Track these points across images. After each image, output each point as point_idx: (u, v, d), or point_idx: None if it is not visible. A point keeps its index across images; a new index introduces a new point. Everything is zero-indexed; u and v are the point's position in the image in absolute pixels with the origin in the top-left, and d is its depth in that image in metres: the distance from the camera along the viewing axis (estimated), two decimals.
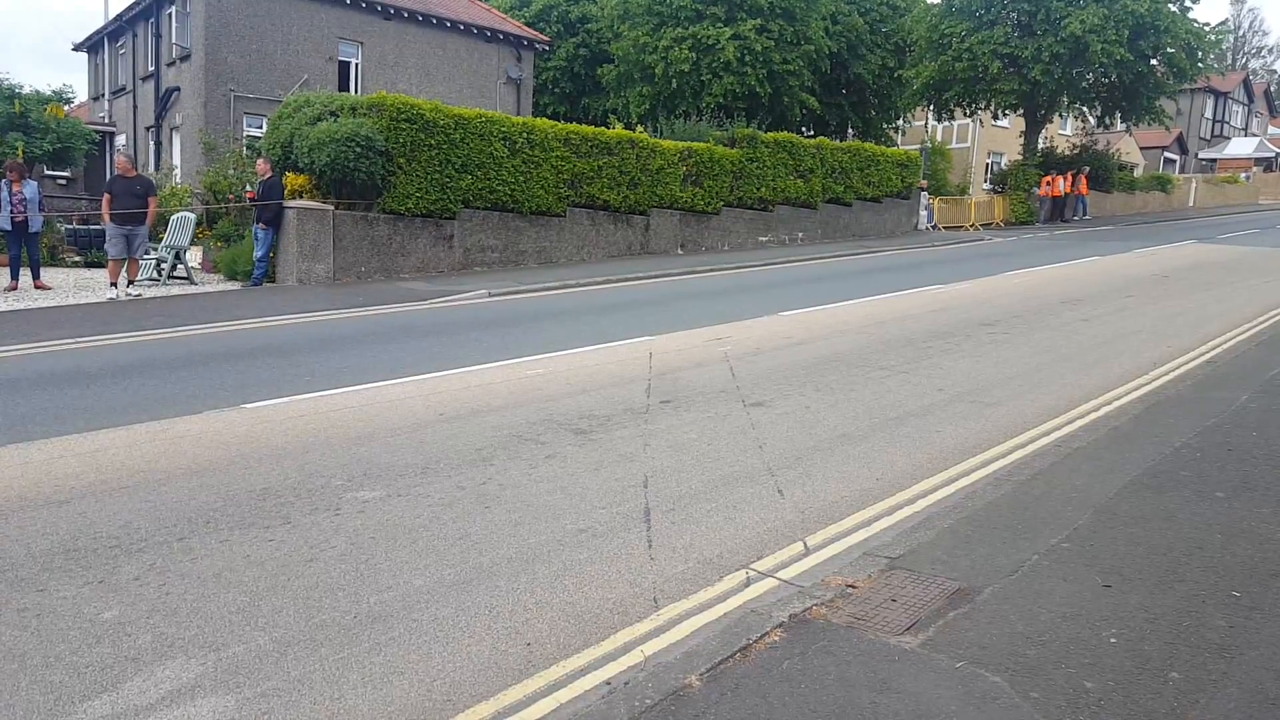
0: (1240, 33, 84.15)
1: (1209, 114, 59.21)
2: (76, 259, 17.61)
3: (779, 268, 18.55)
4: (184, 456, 5.87)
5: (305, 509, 5.02)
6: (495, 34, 28.39)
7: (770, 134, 22.74)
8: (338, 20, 24.93)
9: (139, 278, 14.00)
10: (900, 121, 35.96)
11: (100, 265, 17.14)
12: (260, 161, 14.91)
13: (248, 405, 7.11)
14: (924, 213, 28.52)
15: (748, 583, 4.30)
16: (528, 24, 31.47)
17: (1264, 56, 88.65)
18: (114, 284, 13.41)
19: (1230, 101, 60.88)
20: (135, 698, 3.29)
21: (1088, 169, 32.34)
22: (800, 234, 23.62)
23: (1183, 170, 53.61)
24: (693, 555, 4.58)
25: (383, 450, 6.06)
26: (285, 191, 14.58)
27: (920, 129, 39.82)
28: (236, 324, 10.90)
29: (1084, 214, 32.10)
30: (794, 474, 5.77)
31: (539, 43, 30.20)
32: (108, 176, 29.47)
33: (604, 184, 18.46)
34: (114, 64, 30.84)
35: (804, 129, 30.49)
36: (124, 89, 29.61)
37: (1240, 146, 57.17)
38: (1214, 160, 56.02)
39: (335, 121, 14.68)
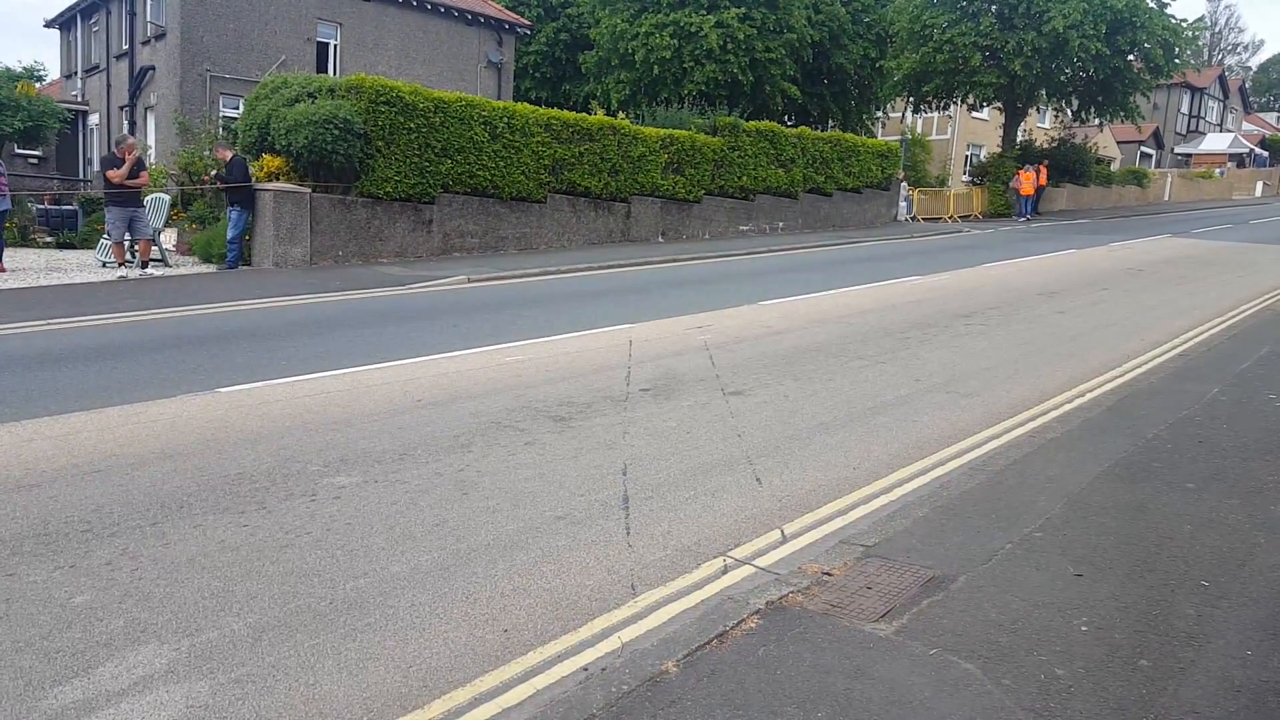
0: (1216, 29, 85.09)
1: (1185, 109, 59.80)
2: (48, 240, 17.35)
3: (759, 257, 18.58)
4: (157, 440, 5.80)
5: (280, 494, 4.98)
6: (476, 17, 28.14)
7: (752, 123, 22.74)
8: (316, 0, 24.61)
9: (151, 257, 13.85)
10: (880, 113, 36.03)
11: (71, 246, 16.92)
12: (219, 148, 14.81)
13: (222, 389, 7.04)
14: (903, 204, 28.66)
15: (725, 570, 4.32)
16: (507, 7, 31.22)
17: (1240, 53, 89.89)
18: (121, 264, 13.27)
19: (1206, 97, 61.53)
20: (107, 683, 3.26)
21: (1046, 161, 32.35)
22: (781, 223, 23.66)
23: (1159, 165, 54.17)
24: (671, 543, 4.59)
25: (359, 436, 6.03)
26: (262, 173, 14.44)
27: (899, 121, 39.93)
28: (211, 307, 10.78)
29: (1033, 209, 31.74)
30: (772, 462, 5.80)
31: (520, 26, 29.97)
32: (84, 156, 29.06)
33: (585, 170, 18.38)
34: (87, 41, 30.29)
35: (785, 118, 30.48)
36: (97, 67, 29.10)
37: (1215, 142, 57.83)
38: (1189, 155, 56.63)
39: (313, 103, 14.51)
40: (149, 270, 13.44)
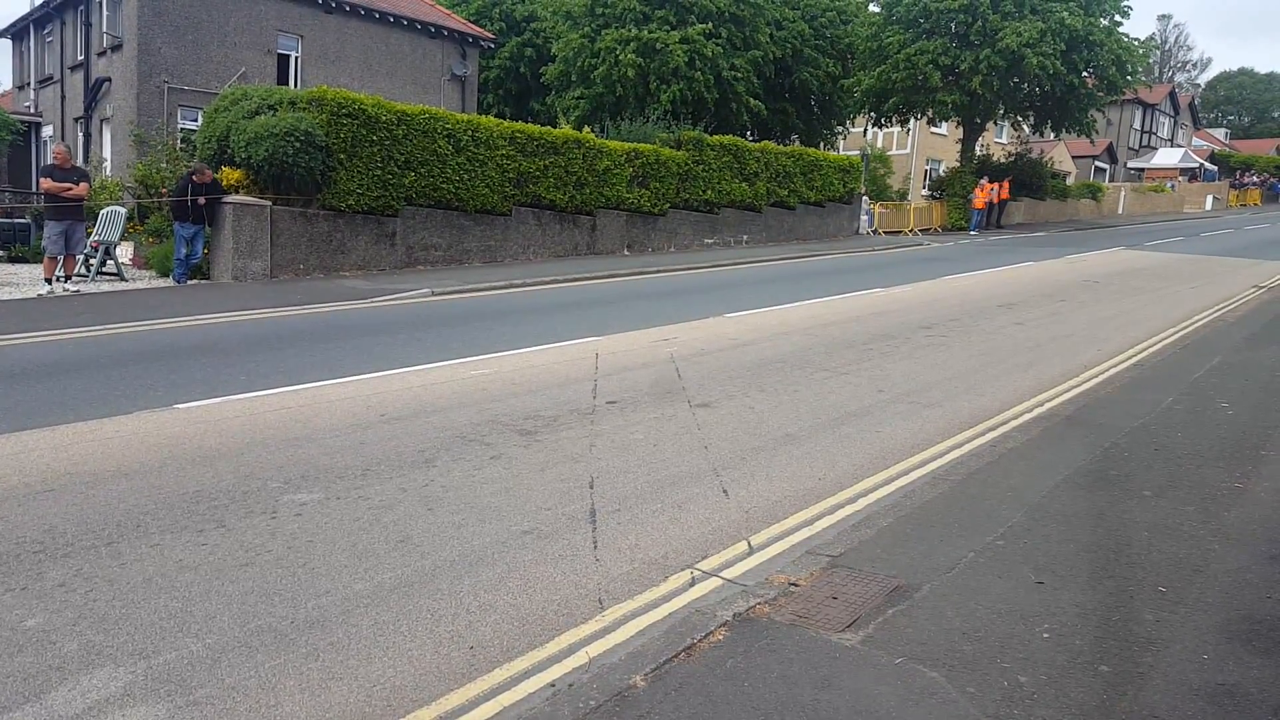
0: (1166, 47, 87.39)
1: (1137, 125, 61.30)
2: (0, 254, 16.94)
3: (724, 269, 18.68)
4: (113, 458, 5.68)
5: (240, 512, 4.89)
6: (439, 30, 28.09)
7: (716, 137, 22.90)
8: (277, 12, 24.41)
9: (75, 273, 13.54)
10: (842, 128, 36.45)
11: (24, 260, 16.55)
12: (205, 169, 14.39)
13: (180, 405, 6.92)
14: (865, 217, 28.98)
15: (692, 582, 4.32)
16: (470, 21, 31.17)
17: (1189, 70, 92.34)
18: (49, 280, 12.95)
19: (1157, 113, 63.15)
20: (61, 708, 3.17)
21: (1010, 177, 32.90)
22: (745, 236, 23.82)
23: (1112, 179, 55.40)
24: (638, 556, 4.58)
25: (321, 452, 5.95)
26: (221, 185, 14.23)
27: (861, 134, 40.46)
28: (169, 322, 10.59)
29: (993, 222, 32.06)
30: (738, 474, 5.81)
31: (483, 40, 29.95)
32: (37, 168, 28.49)
33: (550, 184, 18.38)
34: (40, 52, 29.77)
35: (749, 133, 30.71)
36: (51, 78, 28.60)
37: (1166, 156, 59.25)
38: (1142, 169, 57.94)
39: (274, 115, 14.36)
40: (69, 287, 13.07)
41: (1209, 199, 51.84)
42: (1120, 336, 11.05)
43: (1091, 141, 37.02)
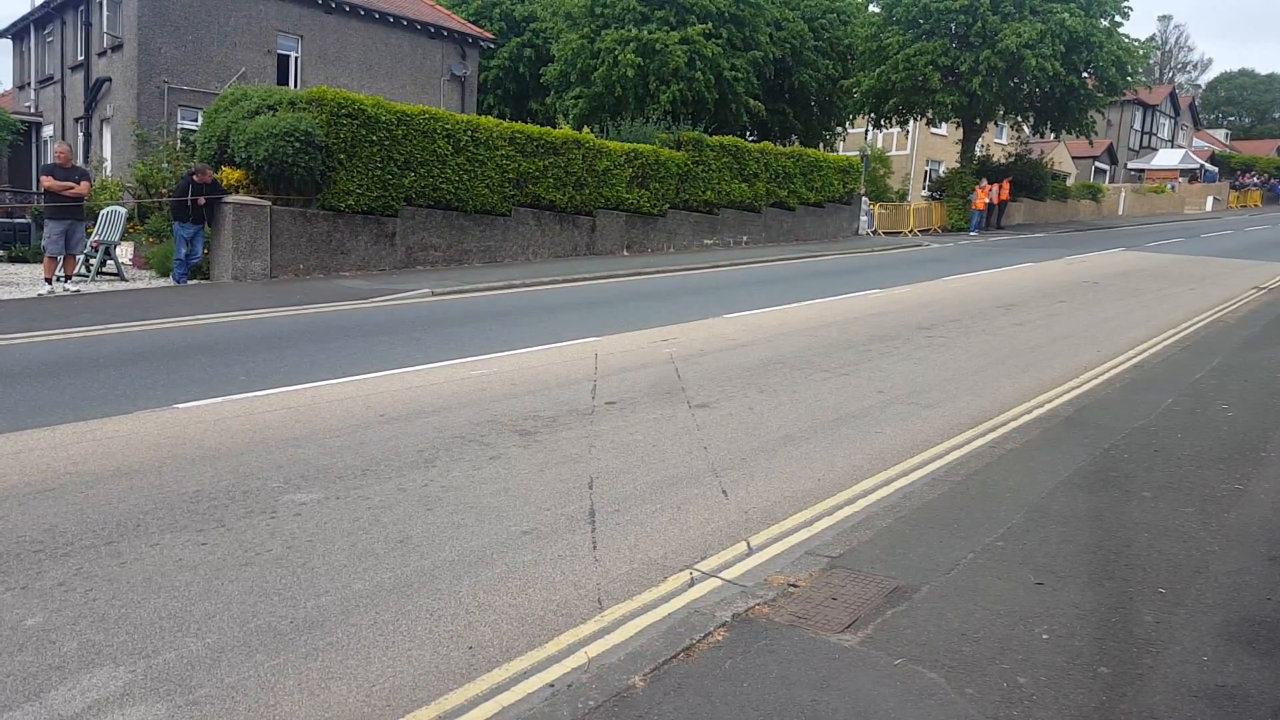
0: (1166, 48, 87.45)
1: (1137, 126, 61.30)
2: (0, 254, 16.94)
3: (723, 270, 18.68)
4: (113, 458, 5.68)
5: (240, 512, 4.90)
6: (439, 30, 28.09)
7: (716, 138, 22.89)
8: (277, 13, 24.41)
9: (75, 273, 13.54)
10: (841, 129, 36.44)
11: (24, 260, 16.55)
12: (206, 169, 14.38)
13: (180, 405, 6.92)
14: (864, 218, 28.97)
15: (691, 583, 4.32)
16: (470, 21, 31.17)
17: (1189, 71, 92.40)
18: (49, 280, 12.94)
19: (1158, 114, 63.15)
20: (60, 707, 3.17)
21: (1010, 177, 32.88)
22: (744, 237, 23.82)
23: (1112, 180, 55.37)
24: (637, 556, 4.58)
25: (321, 452, 5.95)
26: (221, 185, 14.22)
27: (861, 135, 40.47)
28: (169, 322, 10.59)
29: (993, 223, 32.03)
30: (738, 475, 5.81)
31: (483, 40, 29.95)
32: (37, 168, 28.49)
33: (550, 184, 18.38)
34: (41, 52, 29.78)
35: (748, 133, 30.71)
36: (52, 78, 28.60)
37: (1167, 158, 59.22)
38: (1142, 170, 57.92)
39: (274, 115, 14.36)
40: (70, 287, 13.07)
41: (1209, 200, 51.83)
42: (1120, 337, 11.05)
43: (1091, 142, 37.02)
